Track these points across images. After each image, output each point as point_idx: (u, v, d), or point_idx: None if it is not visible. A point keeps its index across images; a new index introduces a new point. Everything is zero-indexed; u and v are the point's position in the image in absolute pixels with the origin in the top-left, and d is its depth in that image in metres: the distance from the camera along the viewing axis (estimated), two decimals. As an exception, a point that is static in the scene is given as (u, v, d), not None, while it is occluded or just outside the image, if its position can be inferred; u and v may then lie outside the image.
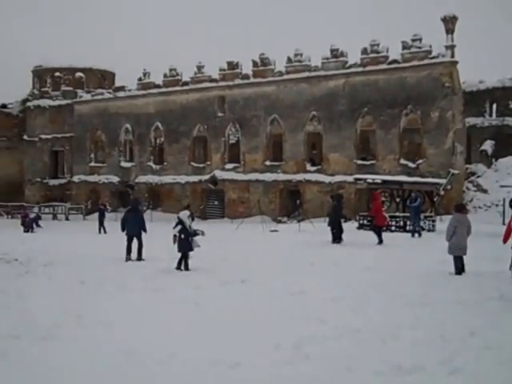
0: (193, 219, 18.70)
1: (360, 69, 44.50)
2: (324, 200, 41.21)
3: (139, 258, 20.72)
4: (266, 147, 49.12)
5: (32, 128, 63.95)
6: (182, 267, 17.90)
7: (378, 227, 25.51)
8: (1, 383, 7.79)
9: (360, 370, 8.10)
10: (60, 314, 11.49)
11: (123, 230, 21.10)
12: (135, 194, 51.43)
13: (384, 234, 25.65)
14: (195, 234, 18.30)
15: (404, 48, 42.98)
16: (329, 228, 26.18)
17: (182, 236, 18.08)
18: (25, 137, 64.51)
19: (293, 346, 9.16)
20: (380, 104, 43.28)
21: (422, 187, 35.30)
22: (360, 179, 35.39)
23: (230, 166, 50.72)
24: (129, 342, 9.38)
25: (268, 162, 48.80)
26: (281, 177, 47.89)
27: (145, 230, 21.20)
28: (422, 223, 30.79)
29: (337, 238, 25.47)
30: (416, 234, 28.86)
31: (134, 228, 20.97)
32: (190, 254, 18.28)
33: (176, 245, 18.38)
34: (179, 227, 18.16)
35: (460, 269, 16.21)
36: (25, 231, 35.84)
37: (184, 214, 18.44)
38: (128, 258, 20.69)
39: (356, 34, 68.63)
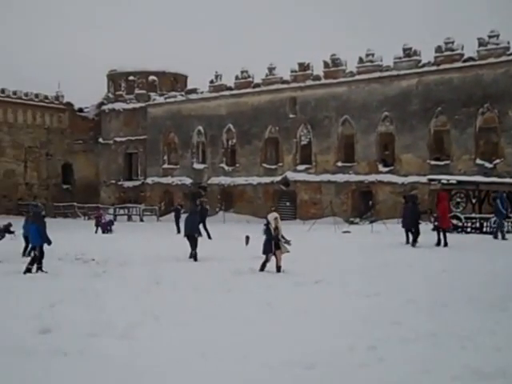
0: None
1: (434, 67, 43.73)
2: (397, 201, 40.72)
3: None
4: (337, 148, 48.85)
5: (107, 131, 65.20)
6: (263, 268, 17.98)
7: (442, 229, 25.02)
8: (78, 380, 7.98)
9: (437, 373, 7.97)
10: (136, 314, 11.69)
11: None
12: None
13: (459, 236, 25.20)
14: (285, 240, 18.16)
15: (480, 45, 42.03)
16: (403, 229, 25.84)
17: (266, 238, 18.06)
18: (100, 140, 65.79)
19: (368, 347, 9.08)
20: (454, 103, 42.46)
21: (500, 188, 34.49)
22: (434, 180, 34.84)
23: (301, 167, 50.61)
24: (204, 342, 9.47)
25: (340, 163, 48.51)
26: (353, 178, 47.53)
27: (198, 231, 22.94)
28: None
29: (414, 239, 25.06)
30: (499, 236, 27.54)
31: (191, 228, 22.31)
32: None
33: (247, 245, 18.56)
34: (264, 227, 18.21)
35: None
36: (102, 232, 36.52)
37: (271, 216, 18.42)
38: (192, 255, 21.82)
39: (429, 32, 67.63)
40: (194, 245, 21.82)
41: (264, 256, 18.04)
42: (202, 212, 29.21)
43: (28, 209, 26.52)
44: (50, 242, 18.66)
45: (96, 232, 36.53)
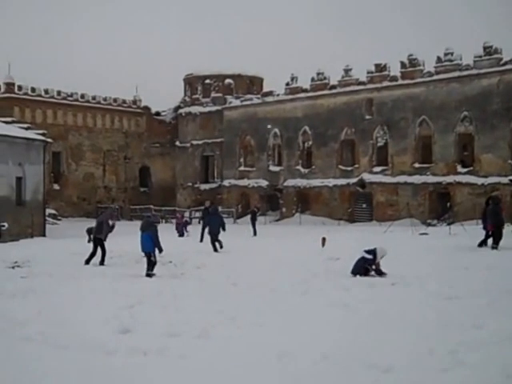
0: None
1: (515, 65, 42.79)
2: (476, 202, 39.81)
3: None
4: (414, 149, 48.23)
5: (184, 134, 66.05)
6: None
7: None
8: (157, 380, 8.11)
9: (521, 378, 7.78)
10: (214, 315, 11.80)
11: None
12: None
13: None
14: (380, 272, 17.46)
15: None
16: (483, 231, 25.10)
17: (364, 263, 17.42)
18: (177, 143, 66.72)
19: (448, 351, 8.92)
20: (537, 101, 41.41)
21: None
22: (516, 180, 34.02)
23: (378, 168, 50.20)
24: (281, 343, 9.47)
25: (417, 164, 47.88)
26: (430, 179, 46.85)
27: (223, 229, 26.95)
28: None
29: (495, 242, 24.30)
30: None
31: (214, 227, 26.65)
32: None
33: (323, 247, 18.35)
34: (370, 257, 17.32)
35: None
36: (178, 236, 36.82)
37: (380, 250, 17.54)
38: (214, 249, 26.04)
39: (510, 29, 66.06)
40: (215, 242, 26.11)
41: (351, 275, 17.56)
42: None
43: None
44: (161, 250, 19.25)
45: (179, 236, 36.63)
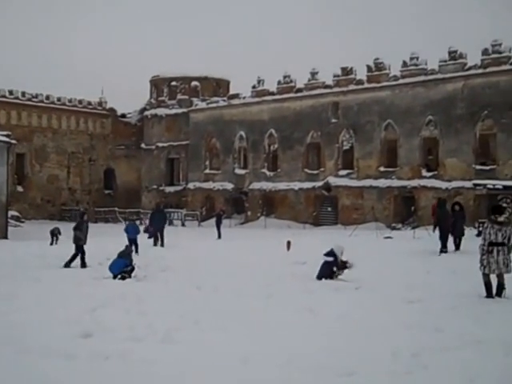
0: None
1: (480, 70, 43.12)
2: (441, 207, 40.04)
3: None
4: (380, 153, 48.54)
5: (149, 136, 65.78)
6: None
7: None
8: (120, 382, 8.03)
9: (481, 382, 7.85)
10: (177, 318, 11.73)
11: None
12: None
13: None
14: (344, 267, 17.60)
15: (528, 47, 41.42)
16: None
17: (329, 266, 17.41)
18: (142, 145, 66.45)
19: (411, 354, 8.98)
20: (501, 106, 41.78)
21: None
22: (479, 185, 34.42)
23: (343, 172, 50.41)
24: (245, 348, 9.44)
25: (382, 168, 48.17)
26: (395, 183, 47.18)
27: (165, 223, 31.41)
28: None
29: (443, 246, 24.43)
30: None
31: (158, 225, 30.22)
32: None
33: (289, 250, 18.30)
34: (331, 259, 17.43)
35: None
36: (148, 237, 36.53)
37: (338, 248, 17.69)
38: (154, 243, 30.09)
39: (475, 34, 66.86)
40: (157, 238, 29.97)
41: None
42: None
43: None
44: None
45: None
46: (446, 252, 23.99)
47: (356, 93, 49.60)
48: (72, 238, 22.12)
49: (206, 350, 9.40)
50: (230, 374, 8.26)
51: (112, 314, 12.18)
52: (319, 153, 52.69)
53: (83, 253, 21.70)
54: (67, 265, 21.46)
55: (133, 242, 25.46)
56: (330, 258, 17.45)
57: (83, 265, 21.51)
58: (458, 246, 24.83)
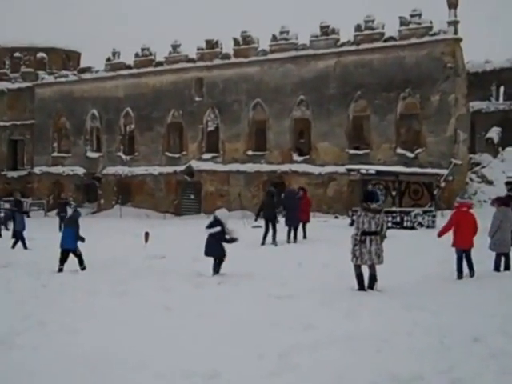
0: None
1: (353, 47, 44.17)
2: (313, 193, 40.90)
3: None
4: (248, 135, 48.94)
5: (-13, 114, 63.59)
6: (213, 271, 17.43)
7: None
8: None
9: (353, 379, 8.07)
10: (20, 320, 11.48)
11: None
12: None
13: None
14: (232, 240, 17.64)
15: (402, 24, 42.74)
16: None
17: (216, 238, 17.32)
18: (-20, 124, 64.15)
19: (278, 354, 9.11)
20: (375, 87, 43.11)
21: (421, 179, 35.32)
22: (352, 170, 35.40)
23: (207, 155, 50.48)
24: (94, 351, 9.34)
25: (250, 152, 48.58)
26: (264, 167, 47.69)
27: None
28: (420, 218, 30.89)
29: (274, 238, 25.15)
30: None
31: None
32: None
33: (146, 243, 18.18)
34: (218, 229, 17.35)
35: (499, 266, 16.28)
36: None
37: (223, 214, 17.83)
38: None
39: (349, 9, 68.65)
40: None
41: (206, 257, 17.44)
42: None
43: None
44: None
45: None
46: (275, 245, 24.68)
47: (222, 68, 49.72)
48: None
49: (50, 355, 9.27)
50: (77, 379, 8.17)
51: None
52: (181, 134, 52.57)
53: None
54: None
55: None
56: (217, 229, 17.37)
57: None
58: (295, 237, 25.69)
